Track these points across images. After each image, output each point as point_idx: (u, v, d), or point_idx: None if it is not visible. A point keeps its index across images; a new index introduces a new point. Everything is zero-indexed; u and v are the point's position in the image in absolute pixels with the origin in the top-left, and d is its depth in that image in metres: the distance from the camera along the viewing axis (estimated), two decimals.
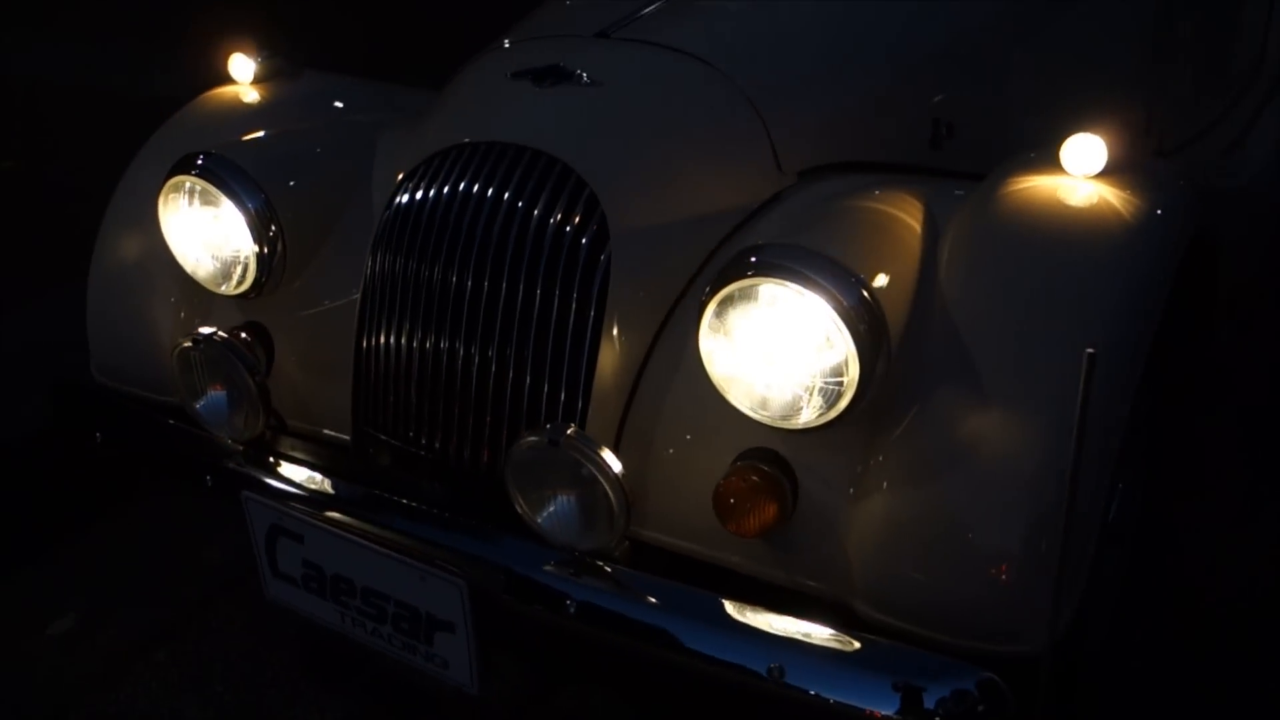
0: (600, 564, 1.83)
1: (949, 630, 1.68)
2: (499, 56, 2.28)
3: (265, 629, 2.66)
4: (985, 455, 1.68)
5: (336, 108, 2.63)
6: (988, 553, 1.66)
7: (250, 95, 2.60)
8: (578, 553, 1.84)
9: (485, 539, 1.92)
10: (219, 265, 2.20)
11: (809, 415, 1.71)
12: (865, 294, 1.66)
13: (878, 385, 1.69)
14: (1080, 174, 1.90)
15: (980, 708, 1.61)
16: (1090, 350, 1.43)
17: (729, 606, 1.76)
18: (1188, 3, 3.21)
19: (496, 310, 1.91)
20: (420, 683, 2.02)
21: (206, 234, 2.18)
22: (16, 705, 2.56)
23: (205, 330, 2.09)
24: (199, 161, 2.15)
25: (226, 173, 2.14)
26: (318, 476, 2.09)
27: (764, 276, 1.67)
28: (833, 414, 1.69)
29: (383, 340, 2.03)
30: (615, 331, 1.90)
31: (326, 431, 2.21)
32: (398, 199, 2.04)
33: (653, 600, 1.80)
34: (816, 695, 1.66)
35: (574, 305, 1.88)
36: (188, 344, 2.09)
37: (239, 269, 2.18)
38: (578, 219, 1.90)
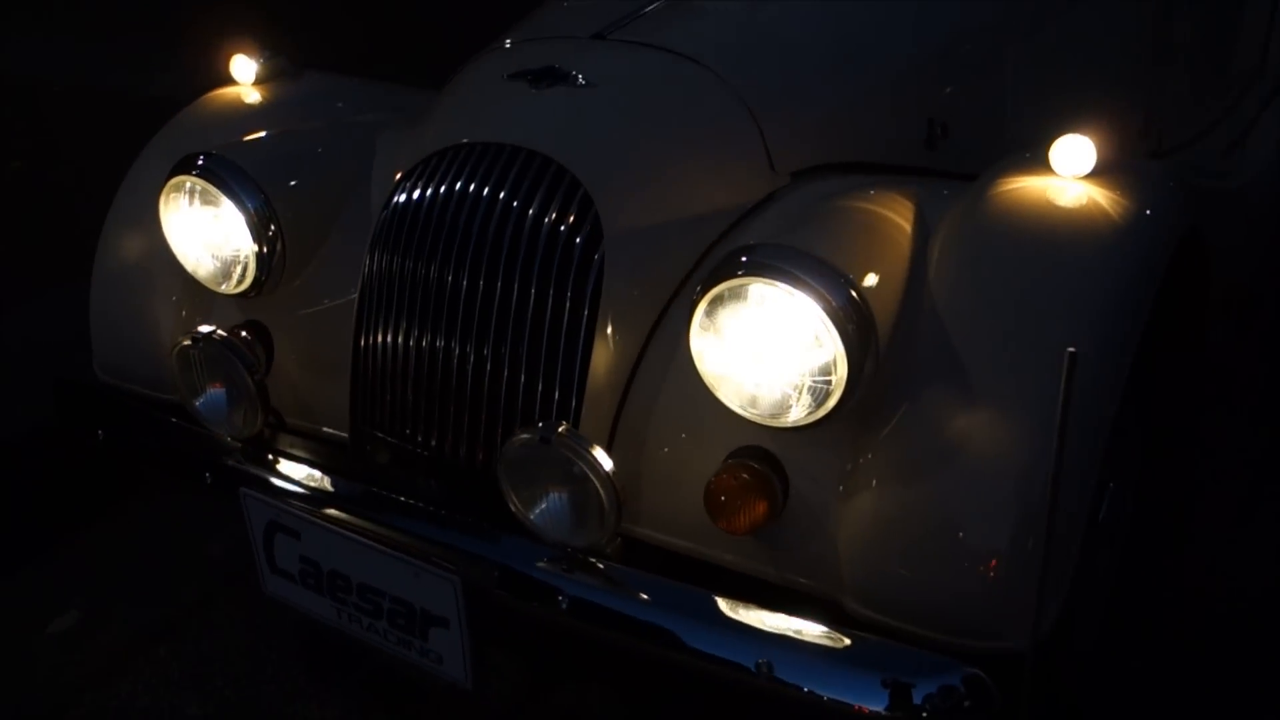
0: (593, 561, 1.85)
1: (936, 627, 1.69)
2: (497, 57, 2.29)
3: (265, 626, 2.68)
4: (972, 454, 1.69)
5: (337, 108, 2.65)
6: (974, 550, 1.68)
7: (251, 96, 2.62)
8: (570, 549, 1.85)
9: (479, 536, 1.93)
10: (219, 264, 2.21)
11: (798, 413, 1.72)
12: (853, 294, 1.67)
13: (866, 384, 1.70)
14: (1069, 174, 1.90)
15: (966, 703, 1.62)
16: (1071, 350, 1.43)
17: (720, 603, 1.77)
18: (1187, 3, 3.21)
19: (492, 309, 1.93)
20: (417, 679, 2.03)
21: (207, 233, 2.20)
22: (17, 703, 2.58)
23: (205, 329, 2.11)
24: (199, 161, 2.16)
25: (226, 173, 2.15)
26: (316, 474, 2.10)
27: (754, 276, 1.68)
28: (821, 412, 1.70)
29: (380, 339, 2.05)
30: (609, 330, 1.91)
31: (325, 429, 2.23)
32: (395, 199, 2.06)
33: (644, 596, 1.81)
34: (806, 691, 1.67)
35: (568, 304, 1.90)
36: (187, 342, 2.11)
37: (239, 268, 2.20)
38: (572, 219, 1.91)
